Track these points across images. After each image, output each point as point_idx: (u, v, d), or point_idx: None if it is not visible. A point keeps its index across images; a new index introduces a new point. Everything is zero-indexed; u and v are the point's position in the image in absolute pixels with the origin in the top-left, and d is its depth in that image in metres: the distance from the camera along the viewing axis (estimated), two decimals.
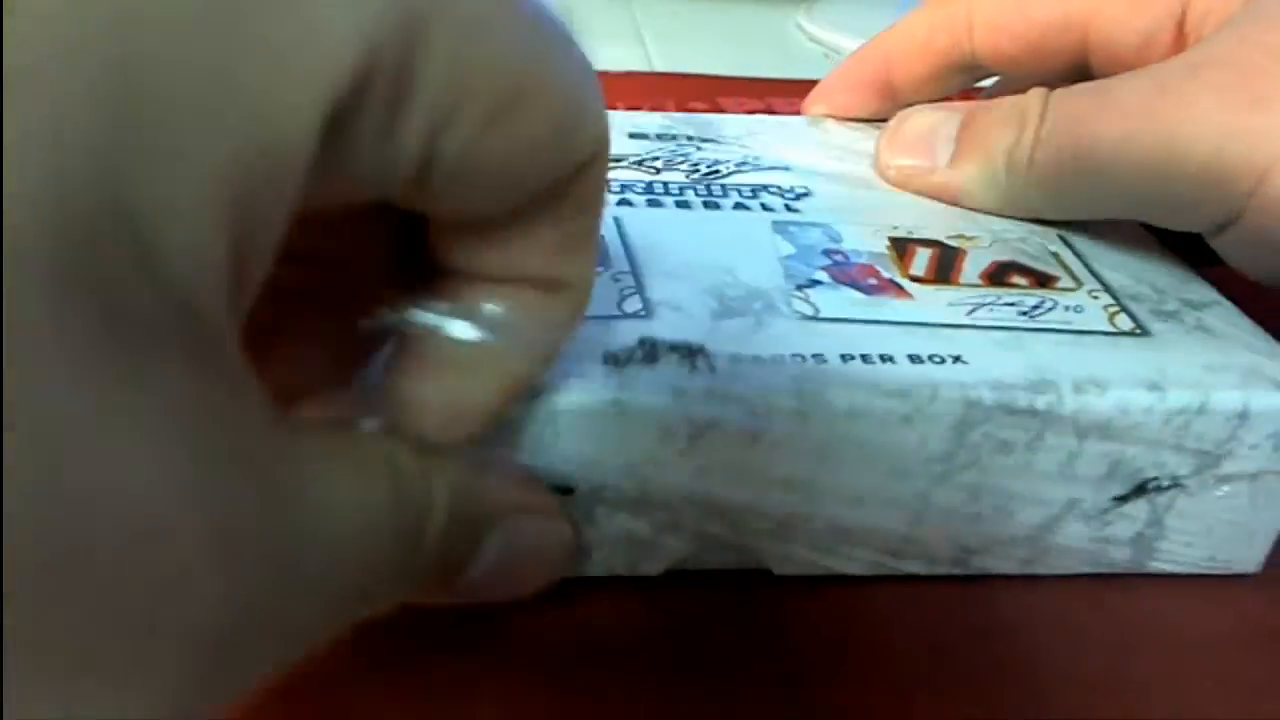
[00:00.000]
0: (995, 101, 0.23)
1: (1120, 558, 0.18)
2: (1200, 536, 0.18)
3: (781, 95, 0.42)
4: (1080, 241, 0.22)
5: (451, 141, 0.11)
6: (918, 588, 0.18)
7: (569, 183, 0.12)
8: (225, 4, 0.09)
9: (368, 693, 0.16)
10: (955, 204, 0.23)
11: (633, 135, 0.26)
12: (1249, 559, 0.19)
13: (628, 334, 0.17)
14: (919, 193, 0.23)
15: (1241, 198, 0.19)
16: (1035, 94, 0.22)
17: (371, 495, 0.11)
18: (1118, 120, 0.20)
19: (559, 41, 0.12)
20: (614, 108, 0.14)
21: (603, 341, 0.17)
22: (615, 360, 0.16)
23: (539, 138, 0.12)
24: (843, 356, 0.17)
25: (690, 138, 0.27)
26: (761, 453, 0.16)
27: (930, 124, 0.24)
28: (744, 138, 0.27)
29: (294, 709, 0.15)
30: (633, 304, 0.18)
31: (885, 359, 0.17)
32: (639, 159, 0.25)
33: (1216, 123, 0.19)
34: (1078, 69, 0.25)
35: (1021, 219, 0.22)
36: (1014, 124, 0.22)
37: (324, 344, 0.14)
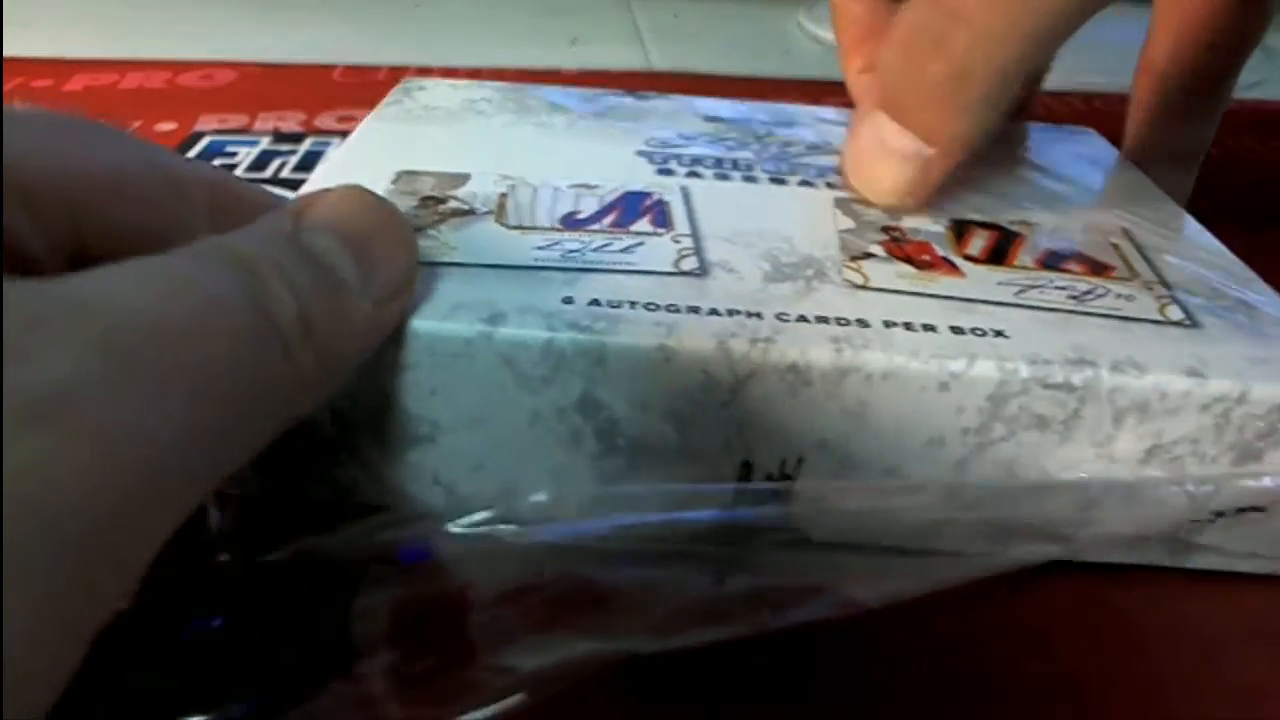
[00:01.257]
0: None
1: (1160, 550, 0.19)
2: (1241, 532, 0.18)
3: (782, 94, 0.41)
4: (1142, 234, 0.22)
5: None
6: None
7: None
8: None
9: None
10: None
11: (709, 119, 0.27)
12: None
13: (680, 288, 0.18)
14: (908, 186, 0.22)
15: None
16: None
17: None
18: None
19: None
20: None
21: (651, 295, 0.18)
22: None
23: None
24: (885, 323, 0.17)
25: (765, 122, 0.27)
26: (799, 409, 0.17)
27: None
28: (817, 125, 0.27)
29: None
30: (689, 263, 0.19)
31: (927, 328, 0.17)
32: (712, 139, 0.26)
33: None
34: None
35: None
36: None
37: None
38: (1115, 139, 0.29)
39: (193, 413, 0.11)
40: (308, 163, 0.36)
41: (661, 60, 0.49)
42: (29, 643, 0.09)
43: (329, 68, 0.48)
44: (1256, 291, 0.20)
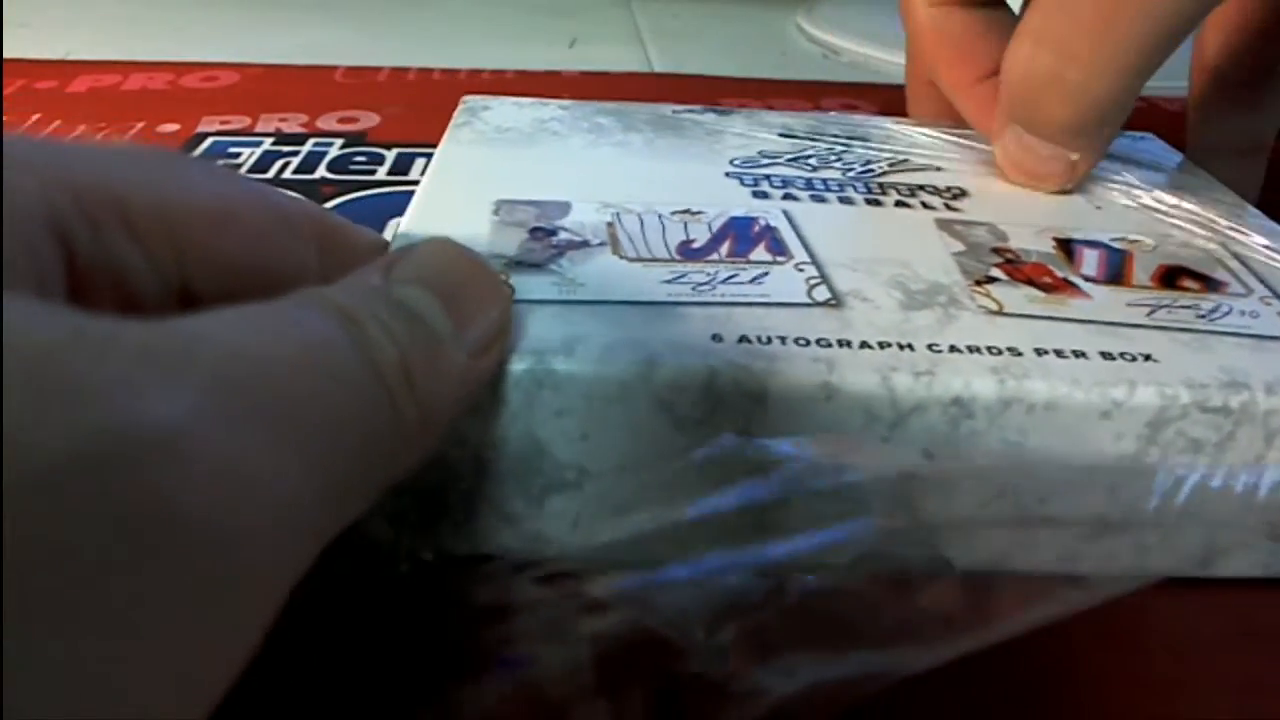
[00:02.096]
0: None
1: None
2: None
3: (782, 95, 0.41)
4: (1243, 249, 0.22)
5: None
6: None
7: None
8: None
9: None
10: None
11: (783, 134, 0.27)
12: None
13: (822, 321, 0.18)
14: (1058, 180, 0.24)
15: None
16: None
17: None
18: None
19: None
20: None
21: (798, 329, 0.17)
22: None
23: None
24: (1037, 350, 0.17)
25: (837, 136, 0.27)
26: (960, 441, 0.17)
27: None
28: (892, 139, 0.27)
29: None
30: (821, 293, 0.19)
31: (1078, 354, 0.17)
32: (793, 156, 0.25)
33: None
34: None
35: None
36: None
37: None
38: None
39: (306, 456, 0.11)
40: (310, 164, 0.36)
41: (661, 61, 0.49)
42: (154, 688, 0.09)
43: (330, 69, 0.48)
44: None
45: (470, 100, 0.27)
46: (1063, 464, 0.17)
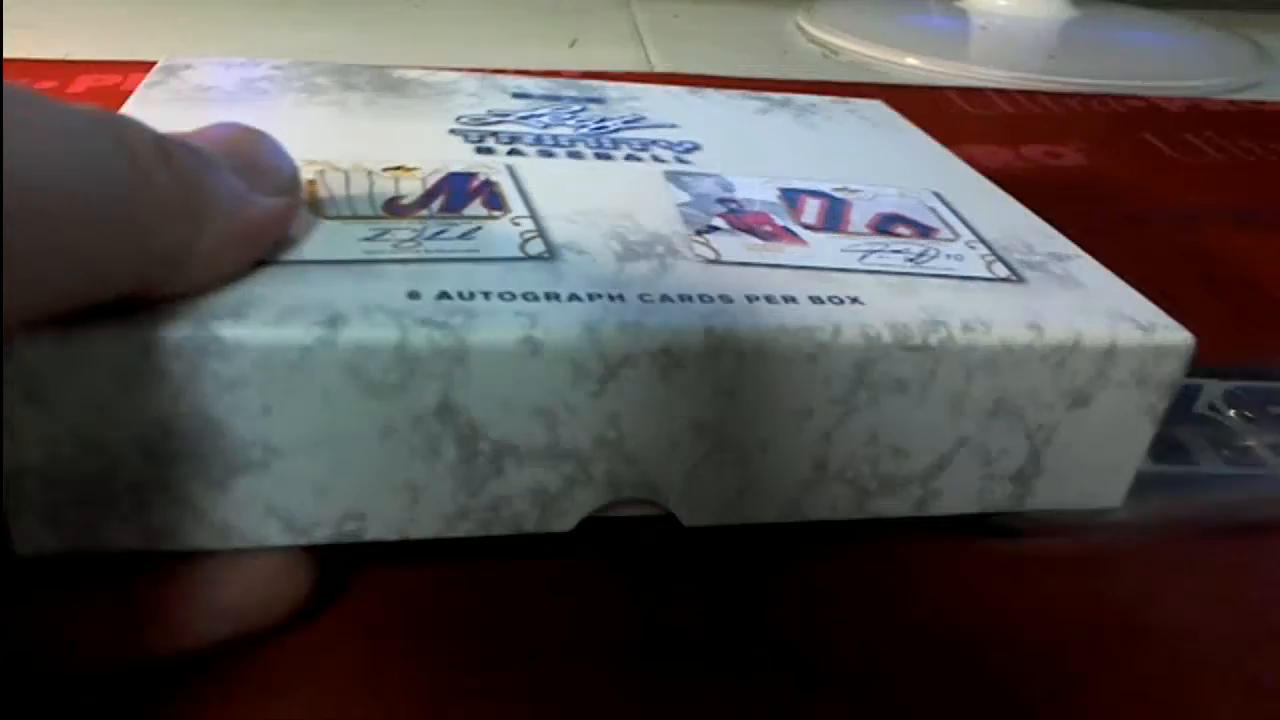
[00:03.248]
0: None
1: (1001, 495, 0.19)
2: (1072, 472, 0.20)
3: (781, 95, 0.42)
4: (953, 198, 0.23)
5: None
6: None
7: None
8: None
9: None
10: None
11: (516, 95, 0.26)
12: (1113, 493, 0.20)
13: (533, 274, 0.17)
14: None
15: None
16: None
17: None
18: None
19: None
20: None
21: (504, 284, 0.16)
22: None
23: None
24: (748, 298, 0.17)
25: (575, 98, 0.26)
26: (673, 393, 0.16)
27: None
28: (629, 100, 0.27)
29: None
30: (535, 246, 0.18)
31: (788, 300, 0.17)
32: (525, 115, 0.24)
33: None
34: None
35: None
36: None
37: None
38: (1114, 139, 0.30)
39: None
40: None
41: (661, 61, 0.49)
42: None
43: None
44: (1062, 247, 0.21)
45: (170, 60, 0.25)
46: (778, 408, 0.17)
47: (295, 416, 0.15)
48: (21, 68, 0.45)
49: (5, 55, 0.46)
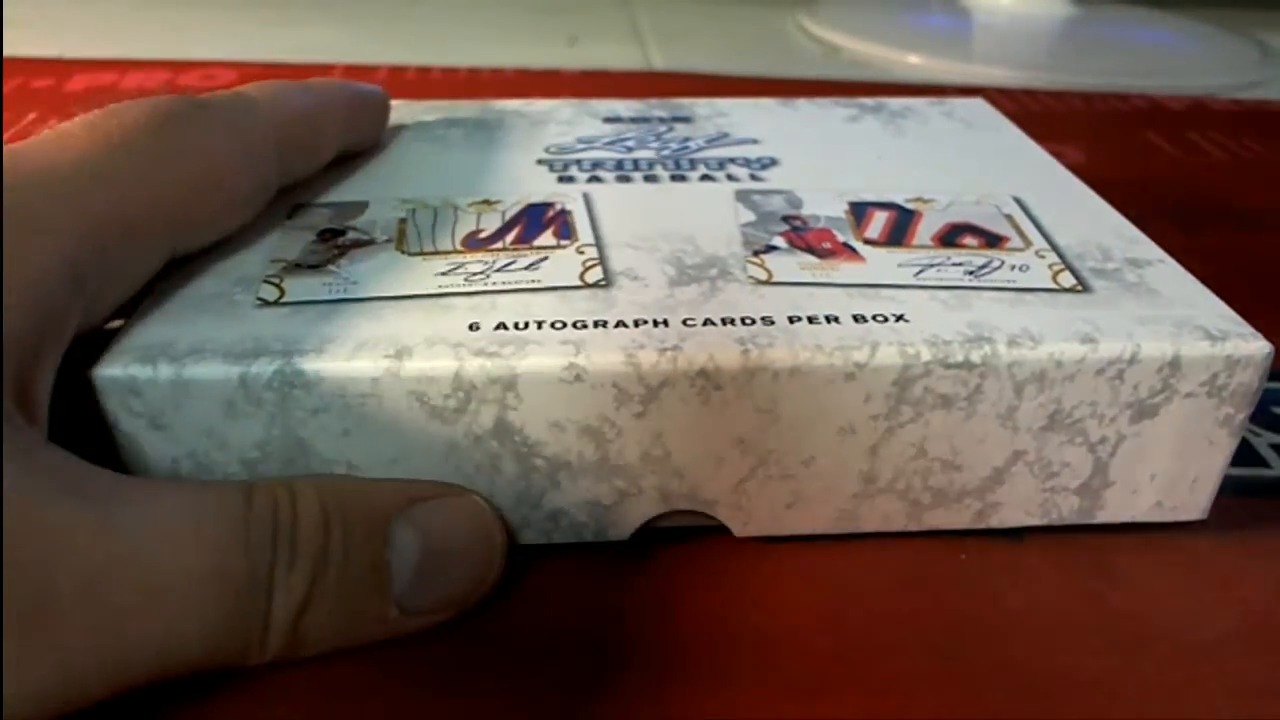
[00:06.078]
0: None
1: (1068, 508, 0.19)
2: (1145, 485, 0.19)
3: (782, 95, 0.42)
4: (1034, 203, 0.23)
5: None
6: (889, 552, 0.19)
7: None
8: None
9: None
10: None
11: (608, 120, 0.27)
12: (1195, 505, 0.19)
13: (586, 302, 0.18)
14: None
15: None
16: None
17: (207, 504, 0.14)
18: None
19: None
20: None
21: (557, 312, 0.18)
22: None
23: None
24: (790, 318, 0.18)
25: (663, 119, 0.27)
26: (714, 413, 0.17)
27: None
28: (716, 117, 0.28)
29: None
30: (594, 275, 0.19)
31: (830, 319, 0.18)
32: (611, 140, 0.26)
33: None
34: None
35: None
36: None
37: None
38: (1116, 138, 0.29)
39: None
40: None
41: (661, 60, 0.50)
42: None
43: (329, 67, 0.48)
44: (1145, 252, 0.21)
45: None
46: (820, 426, 0.18)
47: (371, 438, 0.17)
48: (18, 65, 0.46)
49: (5, 55, 0.47)
